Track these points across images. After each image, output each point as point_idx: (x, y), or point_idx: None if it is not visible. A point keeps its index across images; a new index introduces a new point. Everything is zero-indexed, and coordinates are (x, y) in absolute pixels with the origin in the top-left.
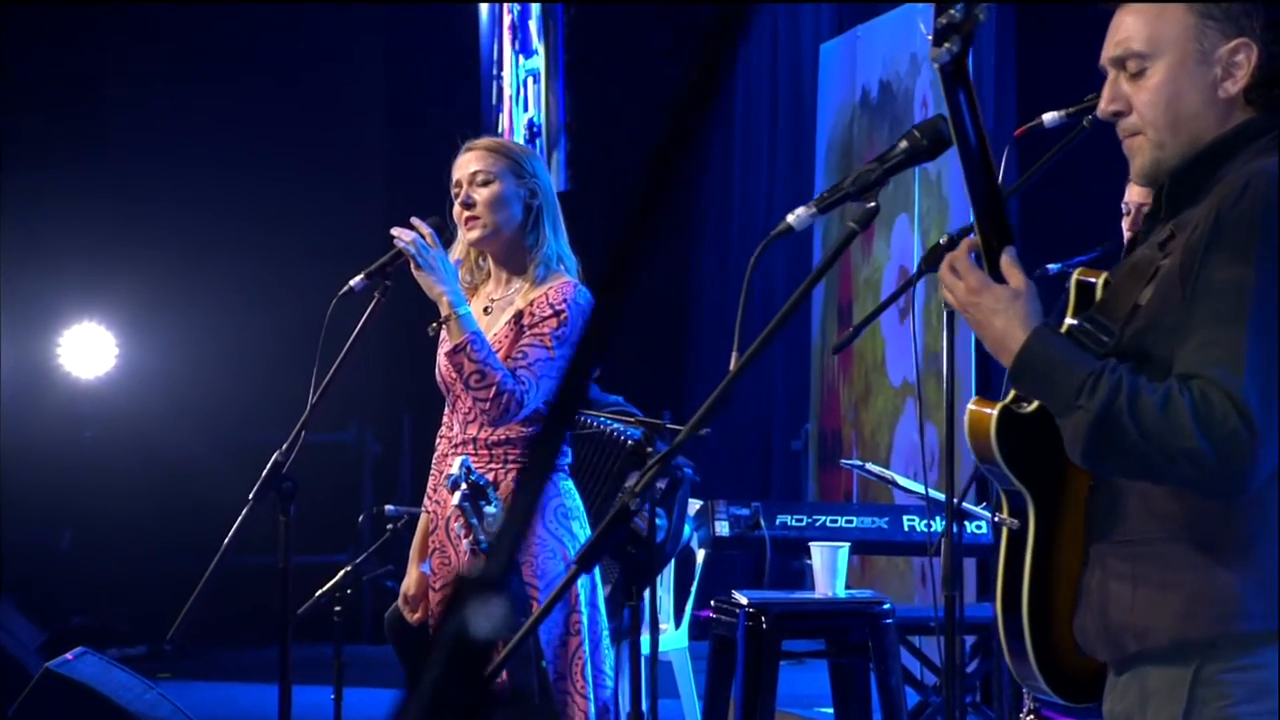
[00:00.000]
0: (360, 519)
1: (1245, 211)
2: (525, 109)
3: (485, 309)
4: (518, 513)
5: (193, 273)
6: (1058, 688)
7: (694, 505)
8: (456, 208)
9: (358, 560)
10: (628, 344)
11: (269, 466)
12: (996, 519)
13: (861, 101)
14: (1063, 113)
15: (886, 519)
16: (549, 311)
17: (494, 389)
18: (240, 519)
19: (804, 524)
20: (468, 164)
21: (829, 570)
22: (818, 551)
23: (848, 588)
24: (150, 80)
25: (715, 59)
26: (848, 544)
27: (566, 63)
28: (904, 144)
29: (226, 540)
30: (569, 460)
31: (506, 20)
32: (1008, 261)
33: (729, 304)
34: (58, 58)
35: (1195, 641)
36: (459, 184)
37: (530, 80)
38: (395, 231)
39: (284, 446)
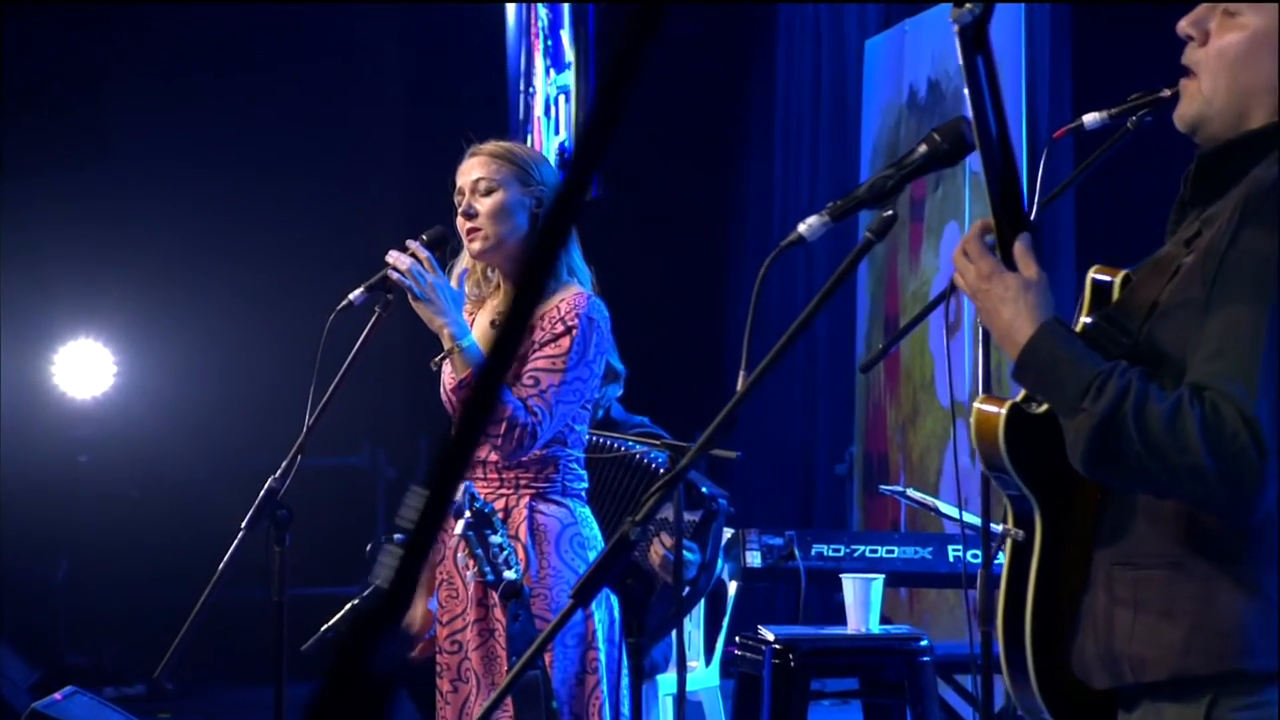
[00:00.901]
0: (368, 548)
1: (1271, 215)
2: (556, 131)
3: (493, 323)
4: (414, 550)
5: (196, 285)
6: (1062, 717)
7: (725, 534)
8: (459, 217)
9: (365, 592)
10: (658, 360)
11: (263, 493)
12: (1001, 529)
13: (909, 102)
14: (1105, 114)
15: (930, 549)
16: (560, 328)
17: (505, 424)
18: (232, 550)
19: (841, 554)
20: (471, 170)
21: (862, 604)
22: (849, 584)
23: (894, 622)
24: (155, 81)
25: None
26: (882, 576)
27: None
28: (922, 148)
29: (217, 573)
30: (585, 485)
31: (535, 28)
32: (1021, 249)
33: (770, 316)
34: (56, 55)
35: (1198, 678)
36: (461, 192)
37: (562, 99)
38: (390, 259)
39: (279, 472)
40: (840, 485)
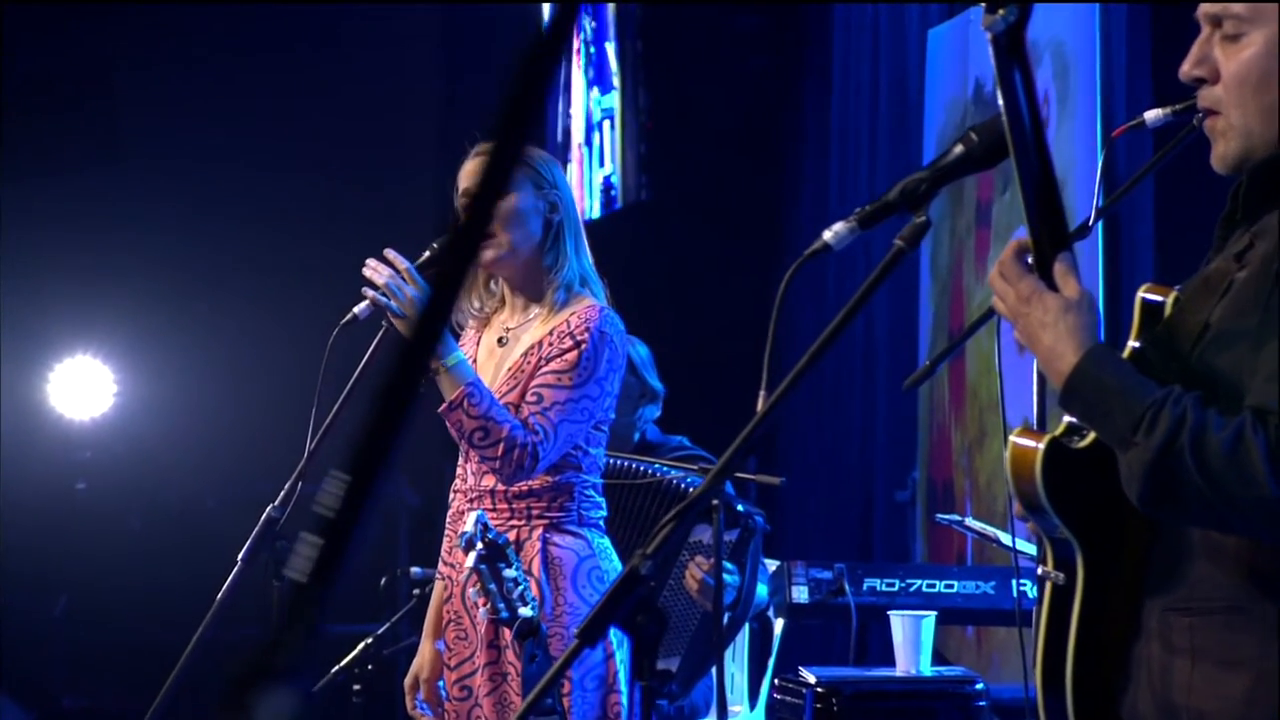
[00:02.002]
0: (383, 582)
1: None
2: (600, 162)
3: (500, 339)
4: (335, 541)
5: (205, 297)
6: None
7: (771, 565)
8: None
9: (379, 631)
10: (704, 374)
11: (261, 523)
12: (1039, 571)
13: (974, 97)
14: (1167, 110)
15: (994, 583)
16: (569, 343)
17: (501, 445)
18: (229, 584)
19: (895, 589)
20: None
21: (912, 643)
22: (898, 622)
23: (962, 663)
24: (172, 77)
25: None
26: (933, 613)
27: (644, 54)
28: (958, 148)
29: (212, 610)
30: (604, 513)
31: (575, 42)
32: (1062, 268)
33: (825, 327)
34: (65, 49)
35: None
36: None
37: (606, 125)
38: (367, 272)
39: (278, 500)
40: (902, 514)
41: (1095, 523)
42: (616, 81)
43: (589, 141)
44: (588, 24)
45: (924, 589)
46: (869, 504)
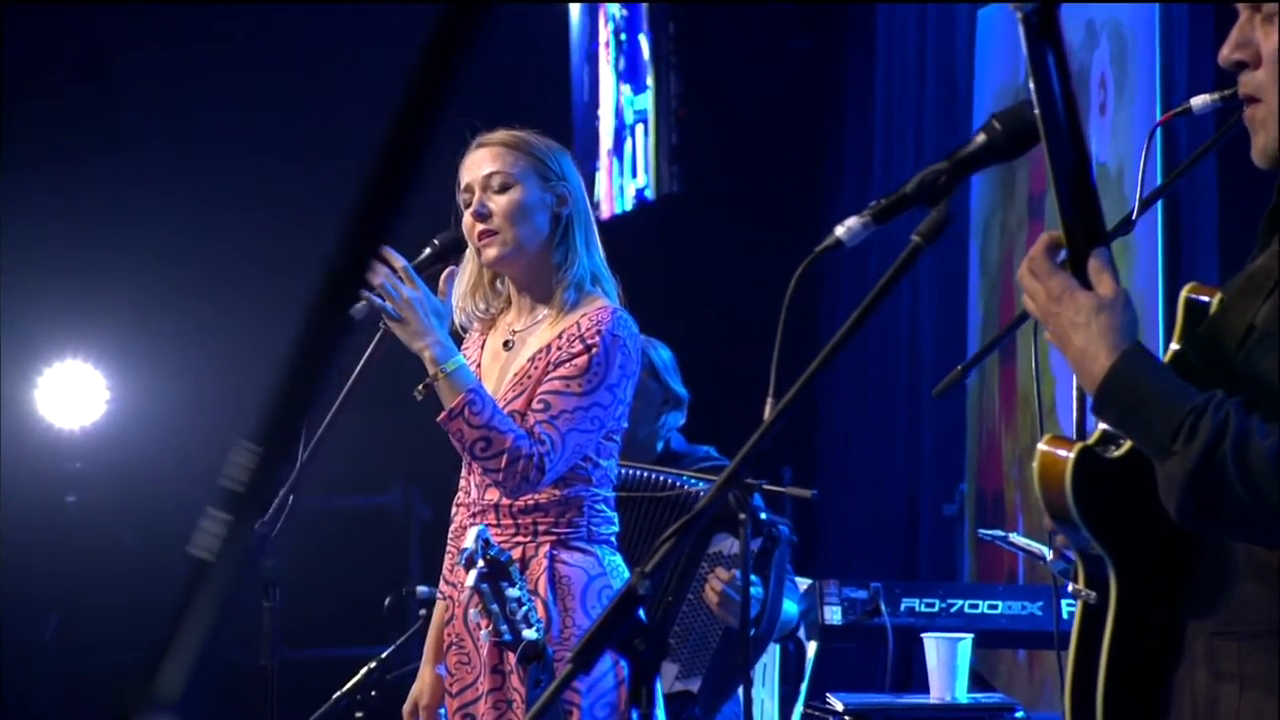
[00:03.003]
0: (387, 602)
1: None
2: (633, 173)
3: (506, 343)
4: (239, 519)
5: (206, 297)
6: None
7: (802, 584)
8: (467, 219)
9: (384, 654)
10: (736, 379)
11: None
12: (1070, 589)
13: (1026, 81)
14: (1215, 95)
15: (1041, 603)
16: (578, 347)
17: (505, 456)
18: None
19: (935, 609)
20: (481, 164)
21: (947, 667)
22: (932, 645)
23: (1010, 689)
24: (174, 67)
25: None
26: (969, 635)
27: (676, 37)
28: (981, 137)
29: (200, 630)
30: (616, 529)
31: (603, 34)
32: (1096, 265)
33: (870, 335)
34: (60, 34)
35: None
36: (469, 189)
37: (640, 129)
38: None
39: (267, 515)
40: (948, 529)
41: (1130, 538)
42: (650, 80)
43: (619, 149)
44: (617, 11)
45: (966, 610)
46: (914, 518)
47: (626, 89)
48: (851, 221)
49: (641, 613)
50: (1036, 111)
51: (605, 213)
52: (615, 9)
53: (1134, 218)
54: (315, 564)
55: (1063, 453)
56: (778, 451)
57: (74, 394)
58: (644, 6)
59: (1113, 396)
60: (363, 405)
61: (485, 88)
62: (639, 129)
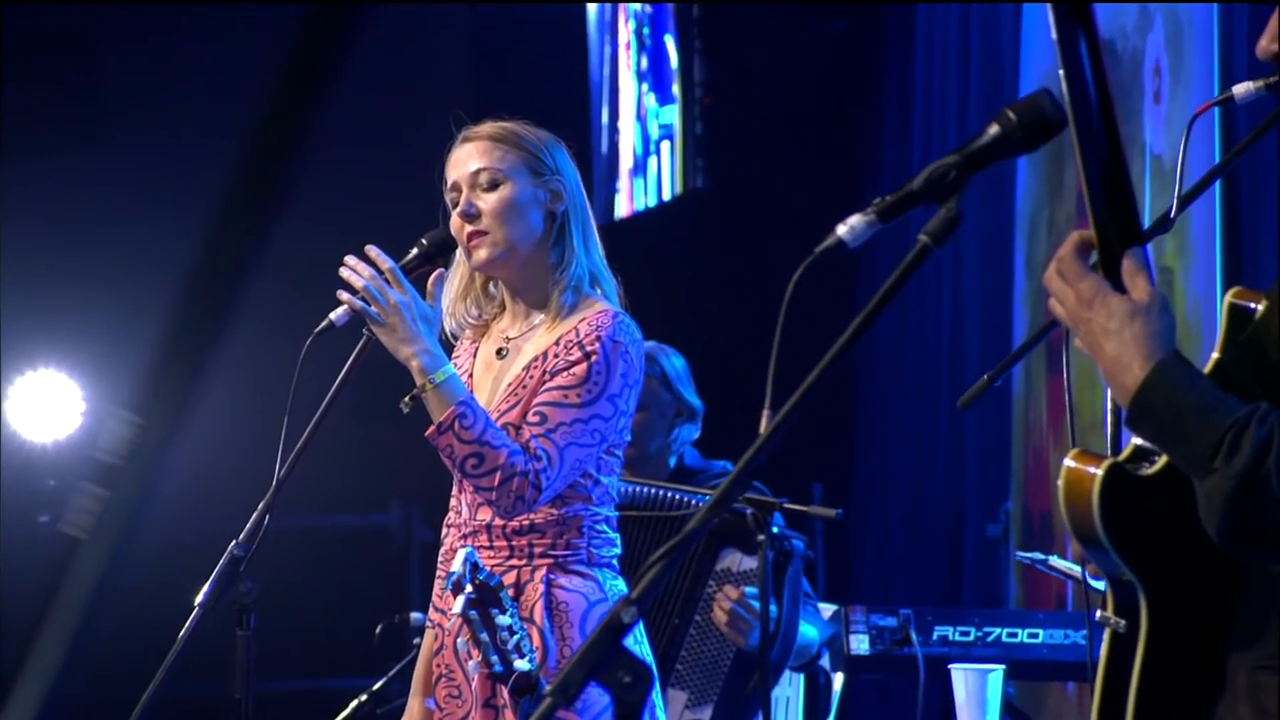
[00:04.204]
0: (378, 630)
1: None
2: (659, 195)
3: (499, 351)
4: (70, 596)
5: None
6: None
7: (827, 610)
8: (455, 219)
9: (375, 686)
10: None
11: (222, 562)
12: (1098, 616)
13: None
14: (1259, 84)
15: (1085, 631)
16: (577, 354)
17: (499, 474)
18: (187, 631)
19: (970, 638)
20: (467, 160)
21: (976, 701)
22: (960, 677)
23: None
24: (165, 52)
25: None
26: (1001, 667)
27: (701, 20)
28: (994, 128)
29: (166, 662)
30: (617, 551)
31: (624, 34)
32: (1131, 266)
33: (909, 341)
34: (46, 17)
35: None
36: (456, 187)
37: (666, 147)
38: (344, 273)
39: (241, 535)
40: (993, 550)
41: (1163, 562)
42: (678, 88)
43: (642, 169)
44: (638, 10)
45: (1004, 638)
46: (956, 540)
47: (651, 99)
48: (854, 220)
49: (628, 642)
50: (1066, 99)
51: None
52: (636, 6)
53: (1172, 215)
54: (305, 588)
55: (1091, 469)
56: (808, 467)
57: (47, 405)
58: (670, 6)
59: (1147, 409)
60: (357, 417)
61: (501, 80)
62: (664, 147)
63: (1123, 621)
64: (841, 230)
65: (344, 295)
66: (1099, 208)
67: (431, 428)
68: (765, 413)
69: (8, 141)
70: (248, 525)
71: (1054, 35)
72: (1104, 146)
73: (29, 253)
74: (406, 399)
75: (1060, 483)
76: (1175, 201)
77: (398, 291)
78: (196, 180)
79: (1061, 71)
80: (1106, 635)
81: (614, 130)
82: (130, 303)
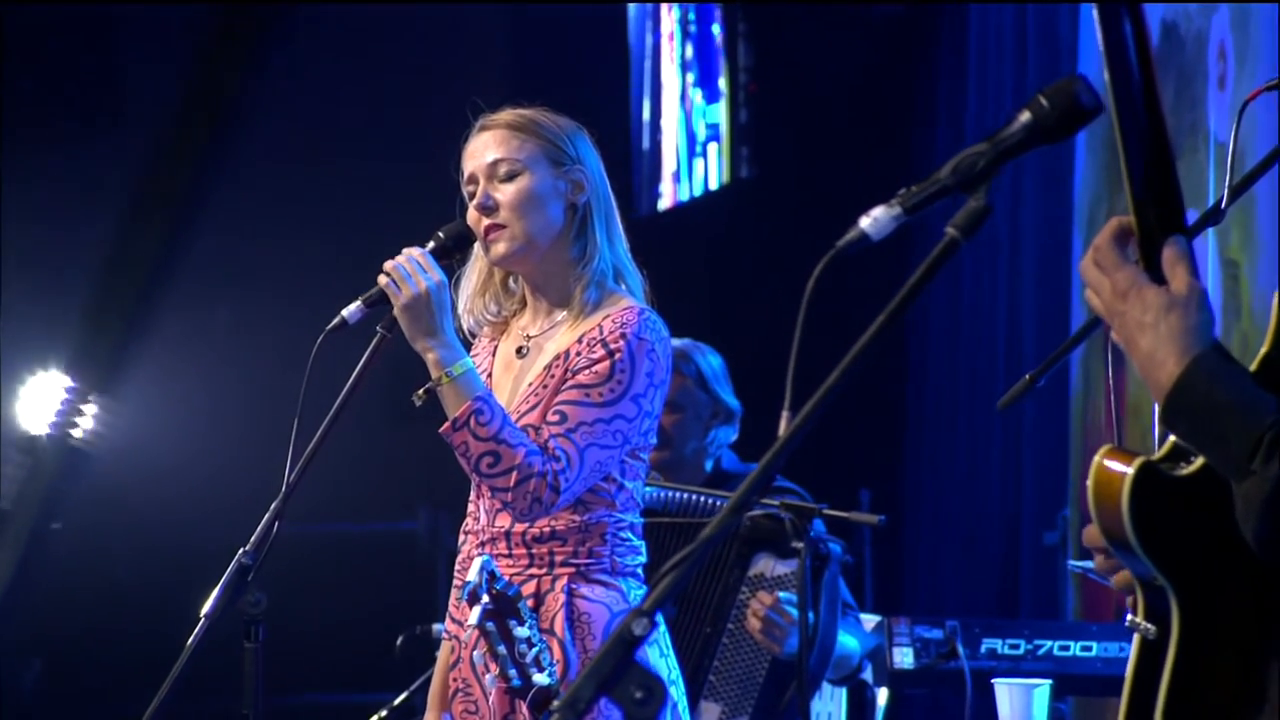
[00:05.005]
0: (399, 642)
1: None
2: (705, 188)
3: (519, 350)
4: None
5: (207, 296)
6: None
7: (868, 621)
8: (471, 212)
9: (395, 701)
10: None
11: (229, 571)
12: (1128, 621)
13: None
14: None
15: None
16: (600, 352)
17: (515, 473)
18: (194, 644)
19: (1020, 651)
20: (484, 149)
21: (1021, 718)
22: (1004, 692)
23: None
24: (178, 38)
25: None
26: (1047, 682)
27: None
28: (1025, 115)
29: (172, 675)
30: (642, 560)
31: (667, 23)
32: (1172, 255)
33: (962, 340)
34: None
35: None
36: (473, 179)
37: (713, 149)
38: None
39: (249, 544)
40: (1050, 559)
41: (1197, 567)
42: (725, 84)
43: (688, 173)
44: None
45: (1055, 651)
46: (1012, 548)
47: (698, 95)
48: (878, 211)
49: (651, 656)
50: (1108, 80)
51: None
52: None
53: (1224, 206)
54: (328, 598)
55: (1121, 468)
56: (856, 472)
57: (57, 409)
58: (718, 6)
59: (1183, 407)
60: (384, 419)
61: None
62: (712, 150)
63: (1152, 628)
64: (864, 223)
65: (381, 281)
66: (1139, 191)
67: (446, 424)
68: (784, 414)
69: (14, 132)
70: (256, 532)
71: (1095, 15)
72: (1147, 130)
73: (35, 249)
74: (420, 392)
75: (1090, 482)
76: (1226, 192)
77: (433, 276)
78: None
79: (1102, 49)
80: (1135, 641)
81: (656, 129)
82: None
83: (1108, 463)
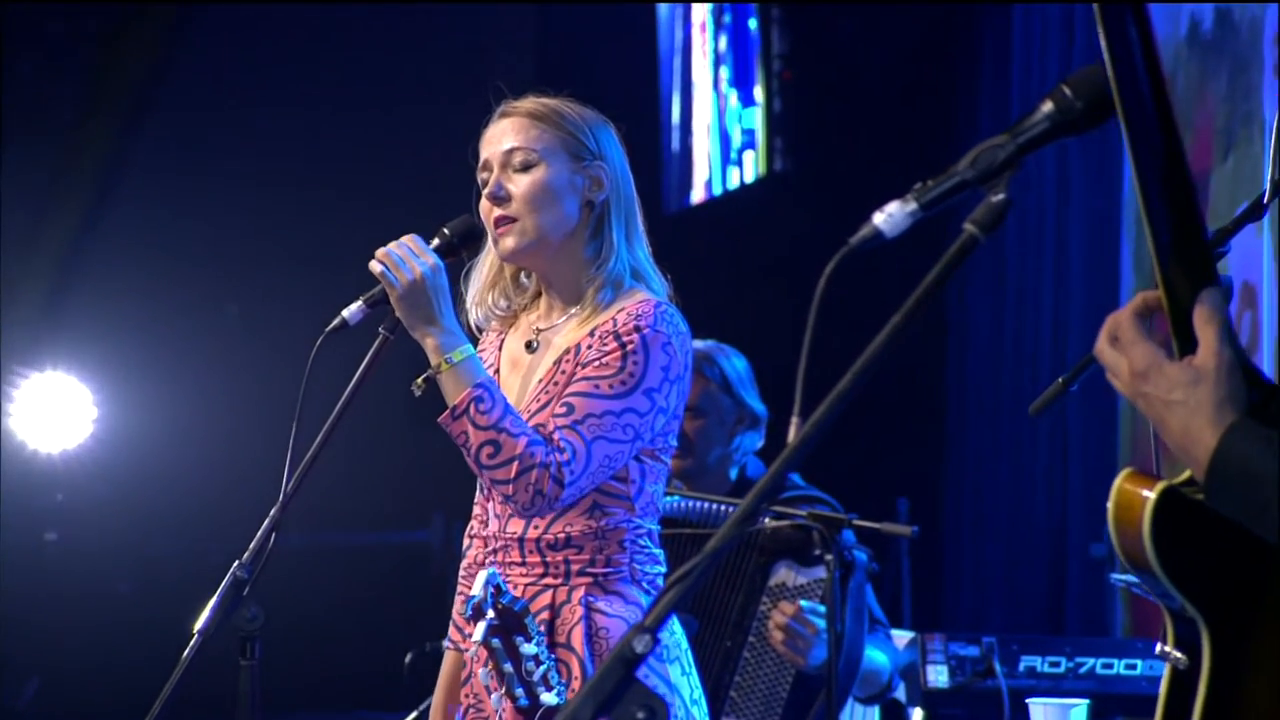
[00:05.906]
0: (409, 659)
1: None
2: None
3: (529, 344)
4: None
5: (214, 296)
6: None
7: (901, 637)
8: (484, 202)
9: (408, 718)
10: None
11: (224, 585)
12: (1158, 649)
13: (1189, 37)
14: None
15: None
16: (611, 344)
17: (515, 464)
18: (183, 662)
19: (1061, 669)
20: (501, 137)
21: None
22: (1039, 712)
23: None
24: (204, 27)
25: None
26: (1085, 701)
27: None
28: (1047, 105)
29: (164, 695)
30: (662, 569)
31: (698, 13)
32: (1203, 314)
33: (1005, 344)
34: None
35: None
36: (487, 166)
37: (749, 158)
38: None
39: (244, 556)
40: (1098, 573)
41: (1225, 596)
42: (760, 94)
43: (722, 180)
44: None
45: (1098, 670)
46: (1058, 562)
47: (733, 97)
48: (892, 207)
49: (672, 673)
50: (1114, 92)
51: None
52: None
53: (1265, 201)
54: (333, 612)
55: (1144, 491)
56: (895, 481)
57: (55, 412)
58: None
59: (1223, 482)
60: (396, 424)
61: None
62: (747, 157)
63: (1183, 658)
64: (878, 219)
65: (373, 267)
66: (1154, 203)
67: (445, 413)
68: (794, 421)
69: (13, 125)
70: (252, 543)
71: (1097, 15)
72: (1159, 142)
73: (35, 245)
74: (419, 380)
75: (1110, 505)
76: (1269, 186)
77: (427, 260)
78: (230, 163)
79: (1106, 59)
80: (1166, 672)
81: (686, 131)
82: (145, 300)
83: (1130, 486)
